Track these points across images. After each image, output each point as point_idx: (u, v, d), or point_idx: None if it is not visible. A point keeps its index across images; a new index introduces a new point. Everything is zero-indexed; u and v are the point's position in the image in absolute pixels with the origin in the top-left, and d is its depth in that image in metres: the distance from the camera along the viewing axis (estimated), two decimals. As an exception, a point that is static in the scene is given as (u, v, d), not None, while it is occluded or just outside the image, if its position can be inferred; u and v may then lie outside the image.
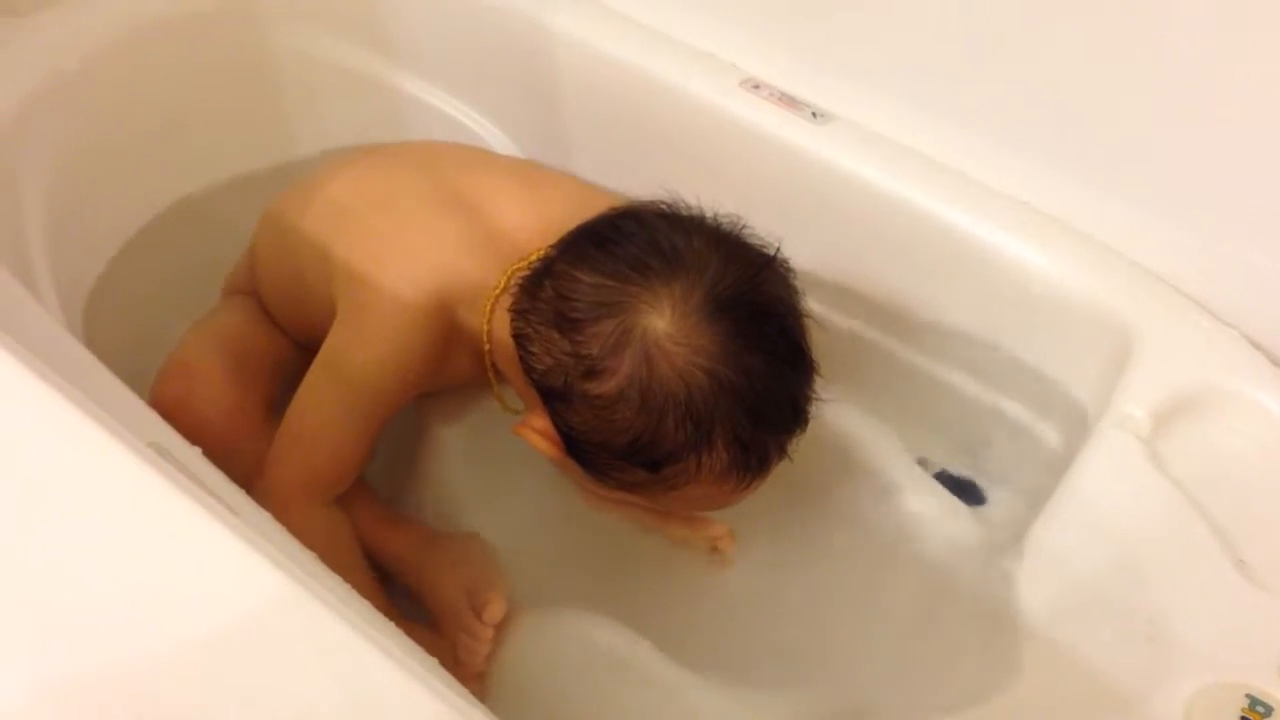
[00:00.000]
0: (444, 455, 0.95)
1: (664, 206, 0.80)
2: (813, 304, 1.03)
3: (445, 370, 0.87)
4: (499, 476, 0.92)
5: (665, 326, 0.72)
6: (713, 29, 1.09)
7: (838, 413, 0.97)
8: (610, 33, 1.11)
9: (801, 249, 1.02)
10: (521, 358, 0.78)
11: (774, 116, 1.03)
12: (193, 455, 0.65)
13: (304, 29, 1.17)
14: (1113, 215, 0.92)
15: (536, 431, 0.79)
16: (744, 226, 0.79)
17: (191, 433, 0.66)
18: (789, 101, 1.04)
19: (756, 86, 1.05)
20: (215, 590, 0.48)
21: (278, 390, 0.93)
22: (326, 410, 0.85)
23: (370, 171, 0.95)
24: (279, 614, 0.48)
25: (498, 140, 1.22)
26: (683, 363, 0.71)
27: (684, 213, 0.79)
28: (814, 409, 0.79)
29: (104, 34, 1.05)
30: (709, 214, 0.79)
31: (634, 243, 0.76)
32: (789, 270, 0.79)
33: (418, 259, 0.85)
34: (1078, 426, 0.92)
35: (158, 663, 0.46)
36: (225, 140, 1.15)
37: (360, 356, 0.84)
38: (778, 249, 0.79)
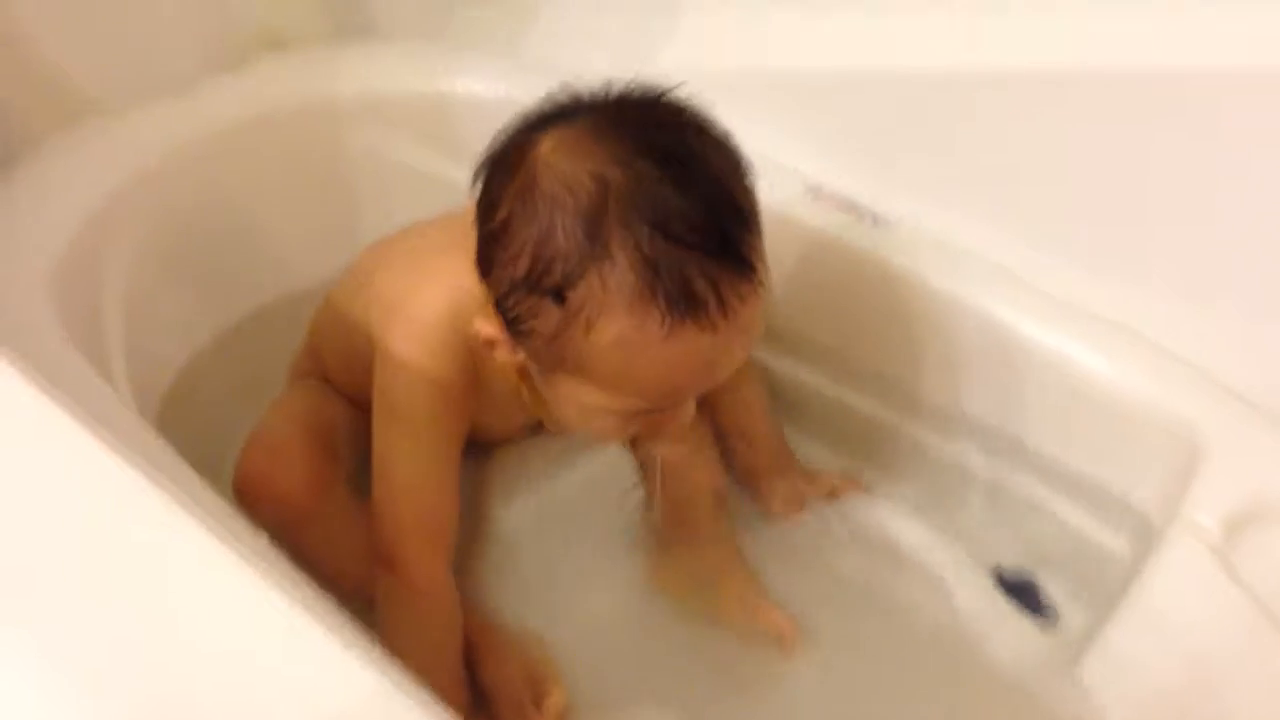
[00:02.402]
0: (505, 545, 0.95)
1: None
2: (872, 405, 1.05)
3: (487, 386, 0.87)
4: (559, 567, 0.93)
5: (551, 145, 0.71)
6: (777, 137, 1.11)
7: (902, 517, 0.97)
8: (674, 139, 1.14)
9: (863, 353, 1.04)
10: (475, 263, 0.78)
11: (836, 222, 1.04)
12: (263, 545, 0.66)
13: (379, 134, 1.21)
14: (1179, 322, 0.92)
15: (484, 324, 0.78)
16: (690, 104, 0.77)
17: (276, 505, 0.67)
18: (851, 207, 1.05)
19: (820, 193, 1.07)
20: (312, 689, 0.48)
21: (358, 457, 0.94)
22: (400, 457, 0.86)
23: (404, 234, 0.99)
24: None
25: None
26: (568, 168, 0.69)
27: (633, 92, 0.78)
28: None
29: (186, 134, 1.09)
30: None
31: (561, 103, 0.77)
32: (728, 140, 0.76)
33: (431, 286, 0.86)
34: (1145, 534, 0.91)
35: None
36: (299, 240, 1.19)
37: (400, 390, 0.85)
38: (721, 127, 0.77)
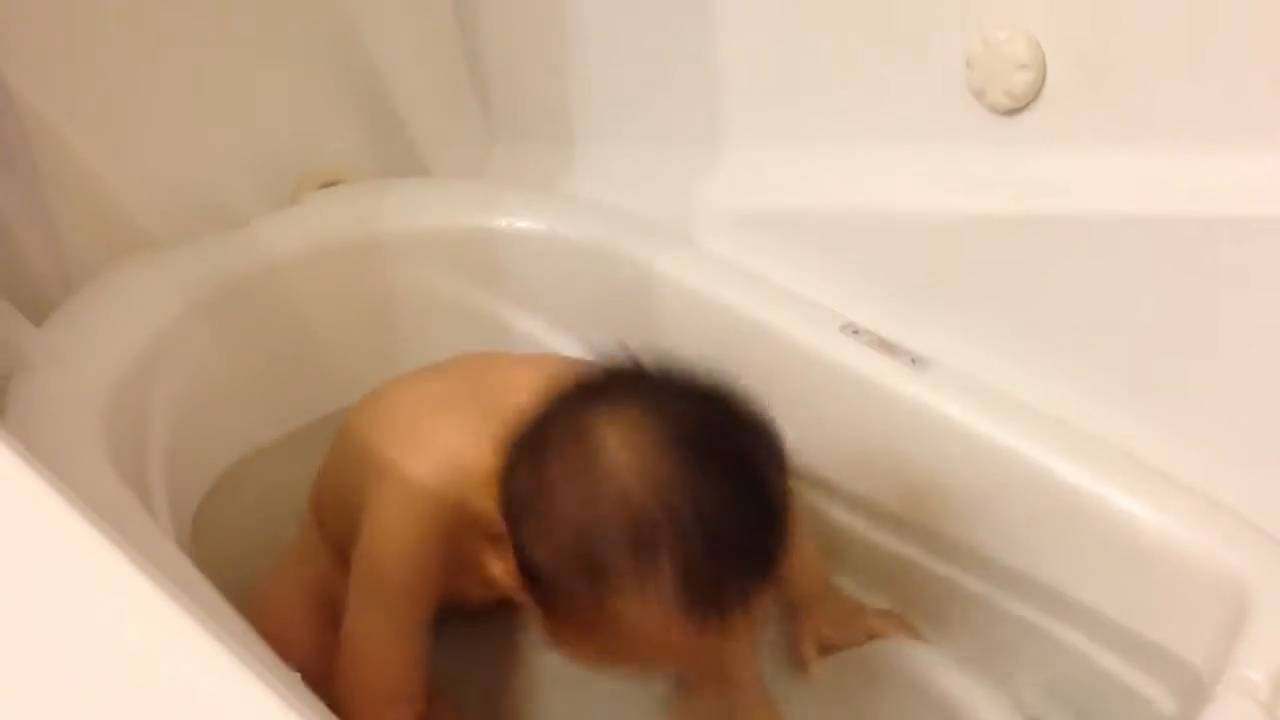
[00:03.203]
0: (535, 686, 0.94)
1: (657, 359, 0.80)
2: (908, 549, 1.04)
3: (469, 564, 0.85)
4: (590, 712, 0.91)
5: (615, 444, 0.71)
6: (813, 276, 1.12)
7: (941, 665, 0.95)
8: (713, 277, 1.16)
9: (898, 493, 1.03)
10: (498, 498, 0.78)
11: (873, 362, 1.04)
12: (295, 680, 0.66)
13: (423, 268, 1.24)
14: (1226, 471, 0.91)
15: (504, 567, 0.78)
16: (735, 382, 0.79)
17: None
18: (888, 348, 1.06)
19: (855, 331, 1.07)
20: None
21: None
22: (367, 623, 0.86)
23: (416, 380, 0.99)
24: None
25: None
26: (629, 476, 0.70)
27: (675, 365, 0.79)
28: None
29: (235, 269, 1.12)
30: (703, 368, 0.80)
31: (614, 380, 0.78)
32: (774, 430, 0.78)
33: (434, 449, 0.86)
34: (1192, 689, 0.88)
35: None
36: (342, 371, 1.20)
37: (380, 553, 0.85)
38: (765, 412, 0.78)
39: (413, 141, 1.35)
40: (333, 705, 0.81)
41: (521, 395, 0.89)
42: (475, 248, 1.25)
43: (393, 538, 0.84)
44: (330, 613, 0.95)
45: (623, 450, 0.71)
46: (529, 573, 0.76)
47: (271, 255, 1.15)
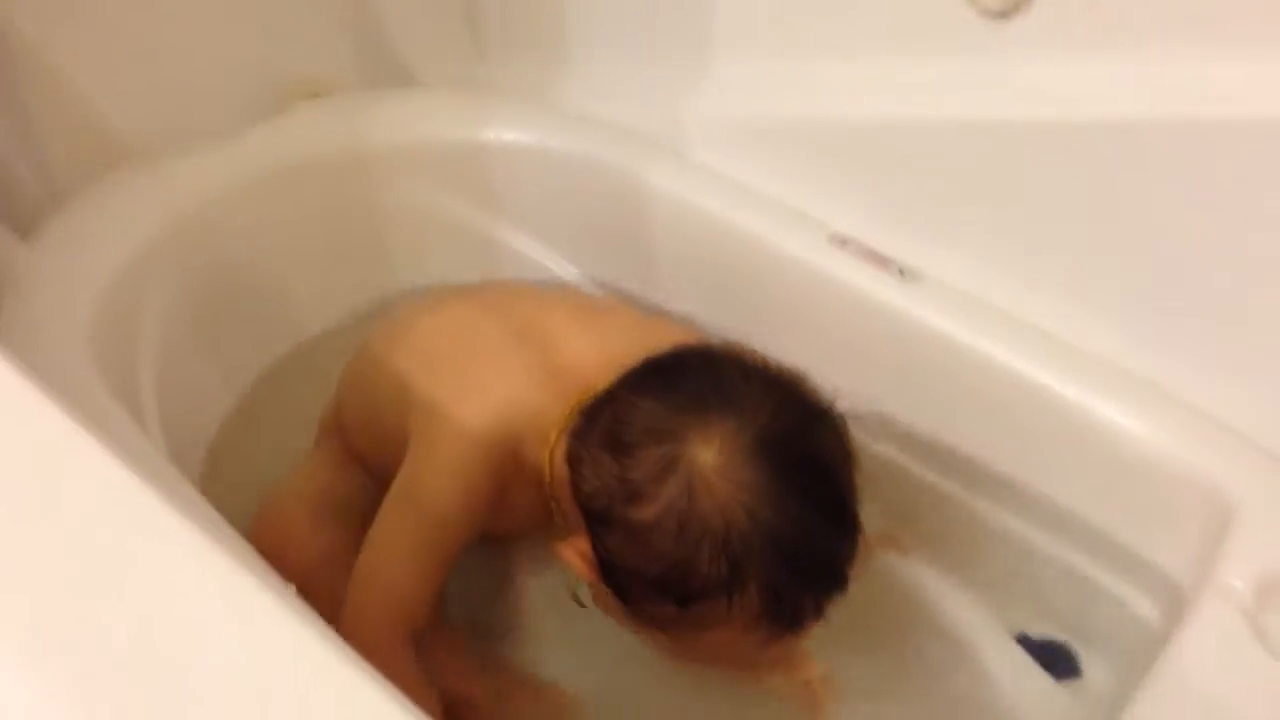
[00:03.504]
0: (531, 601, 0.95)
1: (730, 348, 0.81)
2: (895, 459, 1.05)
3: (510, 506, 0.88)
4: (586, 626, 0.92)
5: (712, 460, 0.71)
6: (803, 186, 1.12)
7: (928, 577, 0.96)
8: (703, 188, 1.15)
9: (885, 404, 1.04)
10: (571, 479, 0.79)
11: (861, 273, 1.04)
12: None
13: (411, 180, 1.23)
14: (1212, 384, 0.92)
15: (576, 553, 0.79)
16: (806, 377, 0.79)
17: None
18: (877, 258, 1.05)
19: (844, 243, 1.07)
20: None
21: (363, 532, 0.94)
22: (398, 544, 0.86)
23: (446, 312, 0.99)
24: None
25: (590, 290, 1.25)
26: (725, 498, 0.71)
27: (748, 357, 0.80)
28: (866, 569, 0.77)
29: (225, 181, 1.11)
30: (773, 362, 0.80)
31: (695, 377, 0.77)
32: (844, 425, 0.78)
33: (486, 394, 0.86)
34: (1175, 597, 0.90)
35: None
36: (334, 286, 1.20)
37: (429, 487, 0.85)
38: (834, 401, 0.79)
39: (400, 52, 1.33)
40: (338, 613, 0.84)
41: (565, 341, 0.91)
42: (463, 161, 1.24)
43: (442, 479, 0.85)
44: (340, 518, 0.96)
45: (718, 473, 0.71)
46: (609, 568, 0.77)
47: (258, 167, 1.14)
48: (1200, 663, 0.79)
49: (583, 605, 0.87)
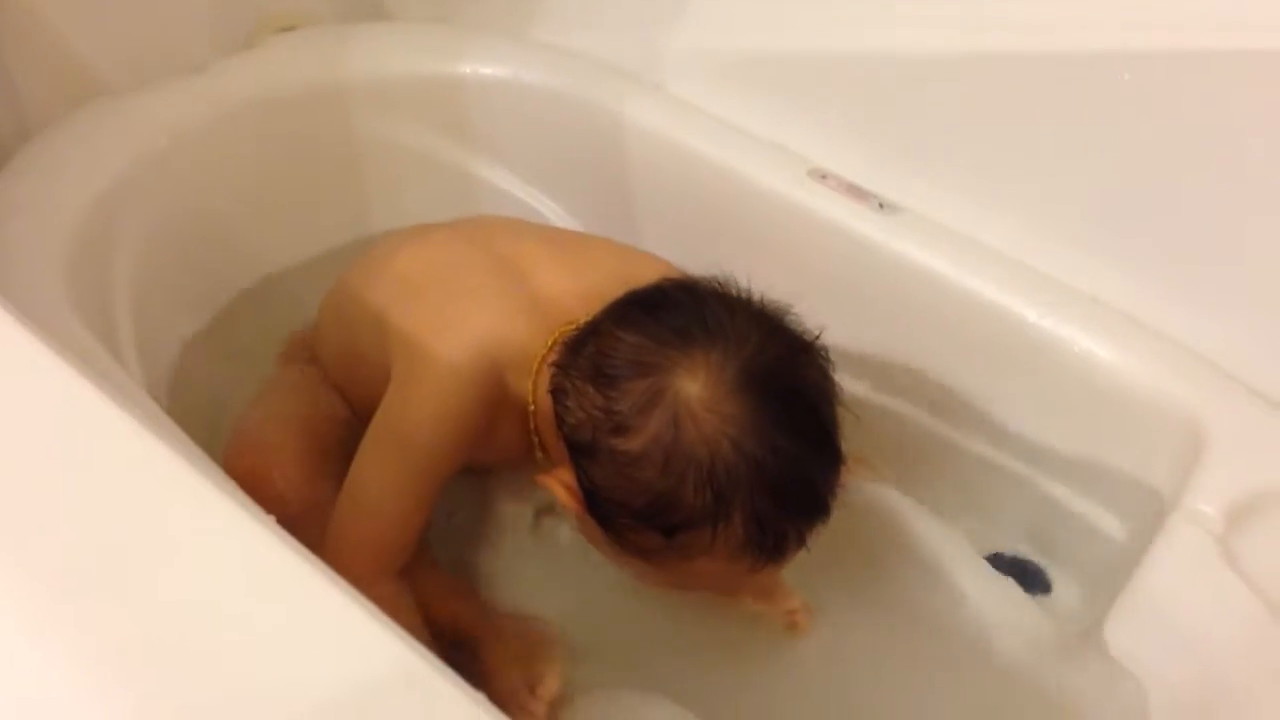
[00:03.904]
0: (512, 532, 0.95)
1: (714, 282, 0.80)
2: (872, 390, 1.06)
3: (494, 437, 0.88)
4: (566, 555, 0.93)
5: (697, 392, 0.72)
6: (782, 120, 1.11)
7: (902, 500, 0.97)
8: (681, 123, 1.15)
9: (864, 337, 1.04)
10: (556, 411, 0.79)
11: (840, 206, 1.04)
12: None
13: (385, 115, 1.22)
14: (1185, 313, 0.93)
15: (560, 484, 0.79)
16: (789, 310, 0.79)
17: (265, 505, 0.68)
18: (856, 192, 1.05)
19: (824, 177, 1.07)
20: (337, 657, 0.49)
21: (344, 458, 0.94)
22: (383, 476, 0.86)
23: (426, 245, 0.98)
24: (400, 686, 0.49)
25: (567, 225, 1.25)
26: (710, 429, 0.71)
27: (733, 290, 0.80)
28: (841, 497, 0.78)
29: (197, 115, 1.10)
30: (757, 294, 0.80)
31: (679, 310, 0.77)
32: (828, 358, 0.79)
33: (468, 325, 0.86)
34: (1147, 521, 0.91)
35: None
36: (307, 221, 1.19)
37: (413, 419, 0.85)
38: (819, 335, 0.79)
39: (373, -15, 1.31)
40: (321, 540, 0.84)
41: (544, 273, 0.91)
42: (439, 95, 1.23)
43: (426, 411, 0.85)
44: (319, 445, 0.96)
45: (703, 405, 0.71)
46: (594, 499, 0.77)
47: (230, 101, 1.12)
48: (1170, 584, 0.81)
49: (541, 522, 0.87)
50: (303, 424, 0.97)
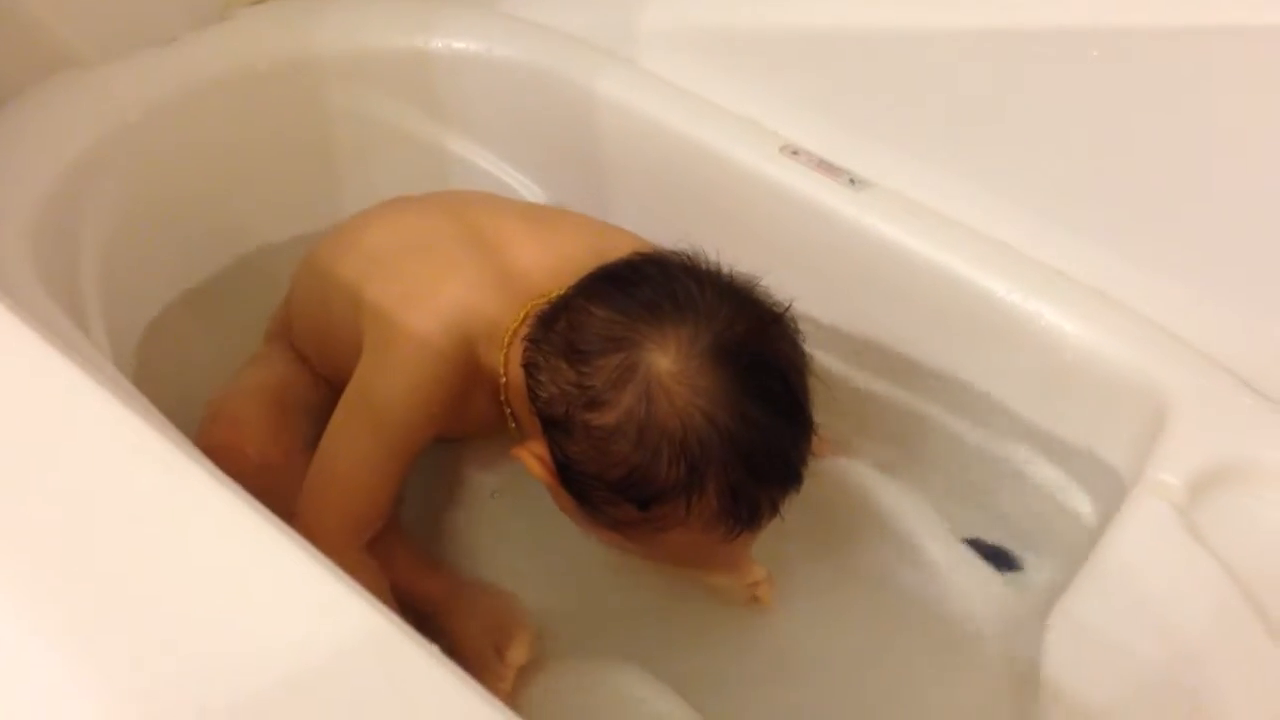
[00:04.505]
0: (480, 503, 0.96)
1: (684, 256, 0.81)
2: (844, 367, 1.06)
3: (465, 409, 0.89)
4: (535, 526, 0.93)
5: (669, 366, 0.72)
6: (755, 95, 1.11)
7: (870, 476, 0.98)
8: (654, 98, 1.14)
9: (835, 312, 1.05)
10: (528, 386, 0.80)
11: (812, 182, 1.05)
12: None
13: (357, 88, 1.21)
14: (1151, 287, 0.93)
15: (533, 456, 0.80)
16: (758, 283, 0.80)
17: (237, 477, 0.68)
18: (827, 168, 1.06)
19: (795, 152, 1.07)
20: (308, 623, 0.50)
21: (317, 430, 0.94)
22: (355, 447, 0.87)
23: (399, 217, 0.98)
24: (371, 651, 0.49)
25: (539, 200, 1.25)
26: (682, 403, 0.72)
27: (702, 264, 0.80)
28: (811, 469, 0.79)
29: (167, 88, 1.09)
30: (726, 268, 0.80)
31: (650, 285, 0.77)
32: (797, 329, 0.80)
33: (440, 296, 0.87)
34: (1112, 494, 0.92)
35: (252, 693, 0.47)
36: (278, 196, 1.19)
37: (385, 390, 0.86)
38: (788, 306, 0.80)
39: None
40: (293, 510, 0.84)
41: (516, 246, 0.91)
42: (411, 69, 1.22)
43: (398, 382, 0.85)
44: (290, 417, 0.96)
45: (675, 378, 0.72)
46: (568, 472, 0.78)
47: (201, 75, 1.11)
48: (1133, 554, 0.82)
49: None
50: (275, 397, 0.98)
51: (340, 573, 0.53)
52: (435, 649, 0.51)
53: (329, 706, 0.47)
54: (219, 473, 0.61)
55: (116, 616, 0.50)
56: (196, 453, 0.68)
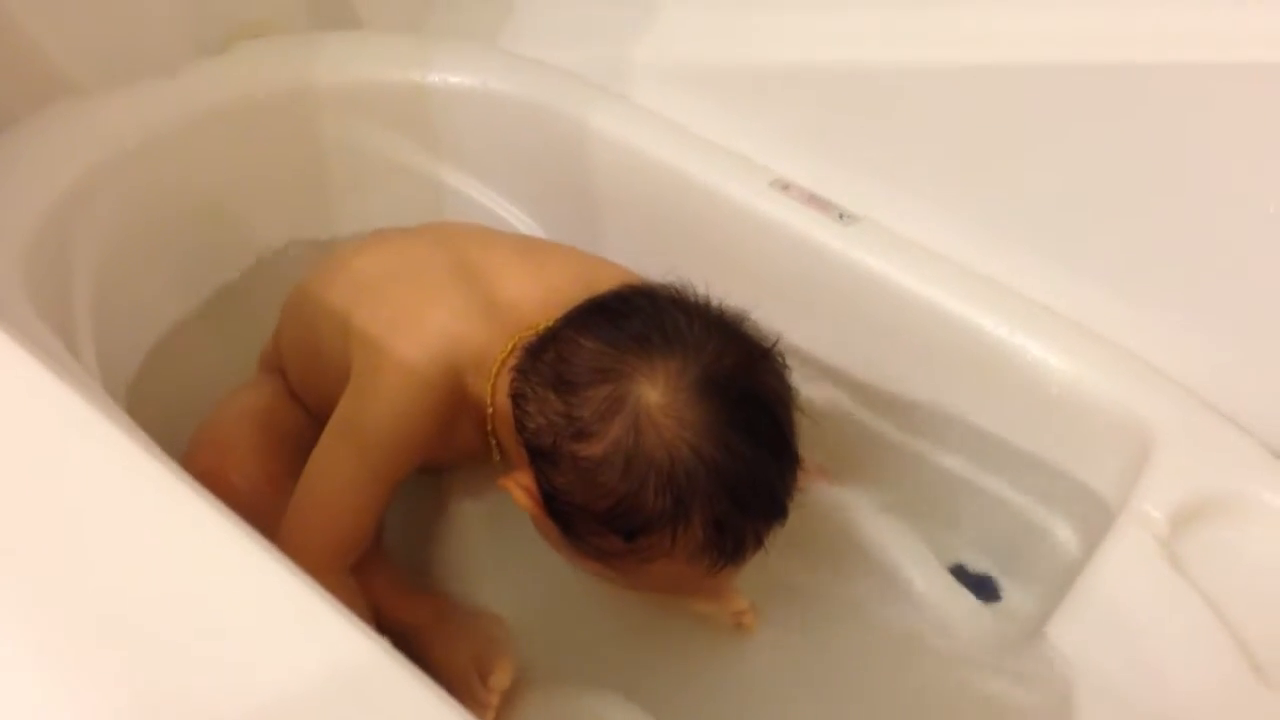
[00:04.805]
0: (463, 529, 0.96)
1: (673, 289, 0.82)
2: (832, 399, 1.07)
3: (451, 437, 0.89)
4: (518, 553, 0.93)
5: (657, 398, 0.73)
6: (746, 131, 1.13)
7: (858, 507, 0.98)
8: (646, 132, 1.16)
9: (823, 346, 1.06)
10: (515, 416, 0.80)
11: (802, 217, 1.06)
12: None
13: (353, 120, 1.23)
14: (1135, 322, 0.95)
15: (519, 486, 0.80)
16: (747, 316, 0.81)
17: (226, 501, 0.68)
18: (817, 202, 1.07)
19: (786, 187, 1.09)
20: (294, 644, 0.50)
21: (302, 457, 0.95)
22: (339, 473, 0.87)
23: (388, 247, 0.99)
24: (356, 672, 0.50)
25: (531, 232, 1.26)
26: (670, 435, 0.72)
27: (691, 297, 0.81)
28: (797, 501, 0.79)
29: (162, 117, 1.10)
30: (715, 301, 0.81)
31: (639, 317, 0.78)
32: (785, 363, 0.80)
33: (428, 325, 0.87)
34: (1095, 526, 0.92)
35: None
36: (273, 226, 1.20)
37: (371, 416, 0.86)
38: (776, 341, 0.80)
39: (346, -4, 1.32)
40: (275, 534, 0.84)
41: (505, 277, 0.92)
42: (408, 103, 1.24)
43: (384, 409, 0.85)
44: (277, 445, 0.96)
45: (663, 411, 0.73)
46: (554, 503, 0.78)
47: (200, 105, 1.13)
48: (1115, 585, 0.82)
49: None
50: (262, 424, 0.98)
51: (324, 592, 0.53)
52: (421, 673, 0.51)
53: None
54: (206, 492, 0.62)
55: (99, 633, 0.50)
56: (183, 473, 0.68)
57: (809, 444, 0.80)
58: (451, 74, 1.24)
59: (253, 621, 0.52)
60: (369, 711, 0.48)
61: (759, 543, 0.78)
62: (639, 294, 0.82)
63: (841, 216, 1.06)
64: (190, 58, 1.18)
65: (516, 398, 0.80)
